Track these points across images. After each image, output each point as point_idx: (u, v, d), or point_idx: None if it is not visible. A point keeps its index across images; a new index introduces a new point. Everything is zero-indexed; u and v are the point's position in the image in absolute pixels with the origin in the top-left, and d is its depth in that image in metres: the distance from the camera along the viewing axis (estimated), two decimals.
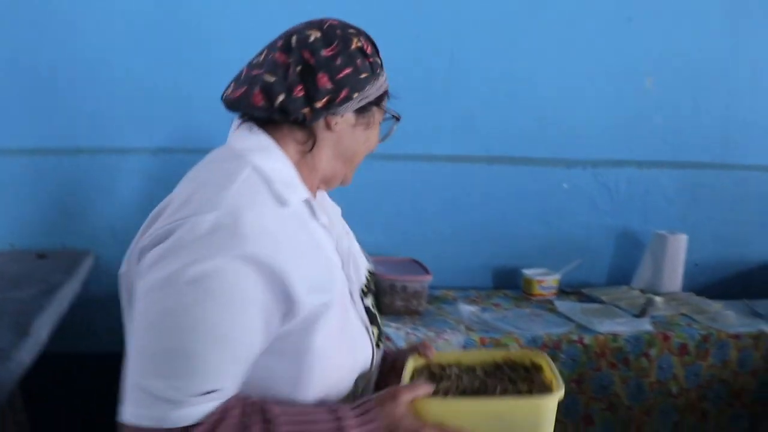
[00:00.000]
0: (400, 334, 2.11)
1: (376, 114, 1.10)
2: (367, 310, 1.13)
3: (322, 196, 1.20)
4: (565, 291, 2.67)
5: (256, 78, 0.99)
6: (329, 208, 1.20)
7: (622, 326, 2.24)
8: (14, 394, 1.90)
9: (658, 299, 2.53)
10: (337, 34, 1.02)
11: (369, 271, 1.23)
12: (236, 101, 1.00)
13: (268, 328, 0.90)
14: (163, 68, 2.43)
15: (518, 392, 1.03)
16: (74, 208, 2.47)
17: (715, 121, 2.96)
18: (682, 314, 2.47)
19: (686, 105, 2.92)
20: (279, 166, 1.00)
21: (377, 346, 1.13)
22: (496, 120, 2.70)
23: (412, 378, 1.06)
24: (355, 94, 1.01)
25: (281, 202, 0.96)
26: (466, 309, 2.35)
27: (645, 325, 2.27)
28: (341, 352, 1.01)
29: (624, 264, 2.93)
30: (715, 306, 2.55)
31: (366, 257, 1.25)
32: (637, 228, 2.93)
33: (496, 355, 1.15)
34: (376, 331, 1.14)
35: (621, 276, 2.92)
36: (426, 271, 2.38)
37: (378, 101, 1.08)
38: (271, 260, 0.87)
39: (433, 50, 2.62)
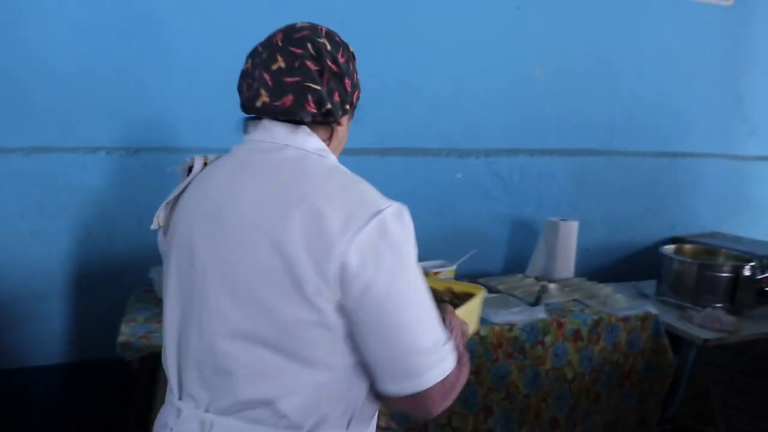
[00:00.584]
0: None
1: None
2: None
3: None
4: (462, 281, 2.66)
5: (301, 86, 1.08)
6: None
7: (518, 315, 2.25)
8: None
9: (552, 286, 2.56)
10: (337, 41, 1.14)
11: None
12: (289, 109, 1.08)
13: None
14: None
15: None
16: None
17: (601, 110, 3.04)
18: (575, 300, 2.51)
19: (574, 94, 2.98)
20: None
21: None
22: (389, 111, 2.64)
23: None
24: (360, 94, 1.19)
25: None
26: None
27: (540, 314, 2.29)
28: None
29: (519, 252, 2.97)
30: (605, 290, 2.61)
31: None
32: (531, 216, 2.97)
33: (449, 283, 1.64)
34: None
35: (517, 264, 2.96)
36: None
37: None
38: None
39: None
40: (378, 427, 1.22)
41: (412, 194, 2.74)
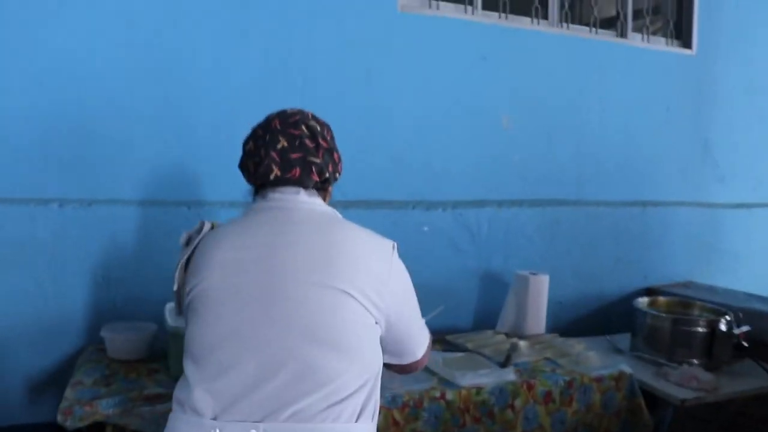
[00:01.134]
0: None
1: None
2: None
3: None
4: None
5: (305, 161, 1.36)
6: None
7: (486, 378, 2.13)
8: None
9: (522, 344, 2.45)
10: (321, 122, 1.43)
11: None
12: (299, 180, 1.36)
13: None
14: None
15: None
16: None
17: (568, 159, 2.98)
18: (546, 359, 2.40)
19: (541, 143, 2.92)
20: None
21: None
22: (349, 163, 2.54)
23: None
24: (342, 165, 1.47)
25: None
26: None
27: (509, 375, 2.17)
28: None
29: (489, 306, 2.86)
30: (578, 347, 2.51)
31: None
32: (500, 269, 2.88)
33: None
34: None
35: (487, 319, 2.85)
36: None
37: None
38: None
39: (283, 85, 2.45)
40: None
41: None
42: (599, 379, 2.26)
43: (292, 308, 1.22)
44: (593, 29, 3.08)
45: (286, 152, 1.36)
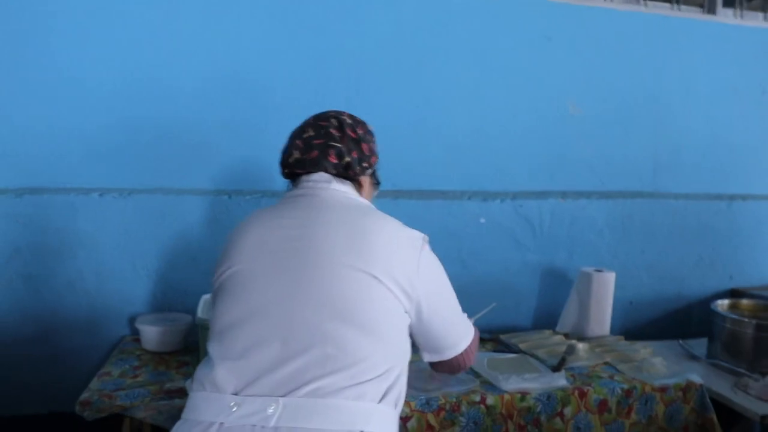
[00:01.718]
0: None
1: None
2: None
3: None
4: (481, 338, 2.40)
5: (325, 144, 1.39)
6: None
7: (532, 382, 1.98)
8: None
9: (581, 346, 2.27)
10: (357, 119, 1.46)
11: None
12: (315, 159, 1.39)
13: None
14: None
15: None
16: None
17: (643, 148, 2.75)
18: (606, 363, 2.22)
19: (612, 131, 2.70)
20: None
21: None
22: (402, 151, 2.45)
23: None
24: (377, 160, 1.49)
25: None
26: None
27: (559, 380, 2.01)
28: None
29: (551, 305, 2.69)
30: (643, 352, 2.30)
31: None
32: (564, 265, 2.69)
33: None
34: None
35: (548, 318, 2.68)
36: None
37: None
38: None
39: (336, 77, 2.38)
40: None
41: (428, 240, 2.52)
42: (663, 389, 2.06)
43: (323, 288, 1.21)
44: (675, 5, 2.81)
45: (310, 139, 1.40)
